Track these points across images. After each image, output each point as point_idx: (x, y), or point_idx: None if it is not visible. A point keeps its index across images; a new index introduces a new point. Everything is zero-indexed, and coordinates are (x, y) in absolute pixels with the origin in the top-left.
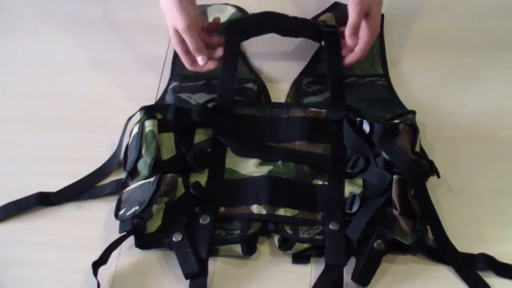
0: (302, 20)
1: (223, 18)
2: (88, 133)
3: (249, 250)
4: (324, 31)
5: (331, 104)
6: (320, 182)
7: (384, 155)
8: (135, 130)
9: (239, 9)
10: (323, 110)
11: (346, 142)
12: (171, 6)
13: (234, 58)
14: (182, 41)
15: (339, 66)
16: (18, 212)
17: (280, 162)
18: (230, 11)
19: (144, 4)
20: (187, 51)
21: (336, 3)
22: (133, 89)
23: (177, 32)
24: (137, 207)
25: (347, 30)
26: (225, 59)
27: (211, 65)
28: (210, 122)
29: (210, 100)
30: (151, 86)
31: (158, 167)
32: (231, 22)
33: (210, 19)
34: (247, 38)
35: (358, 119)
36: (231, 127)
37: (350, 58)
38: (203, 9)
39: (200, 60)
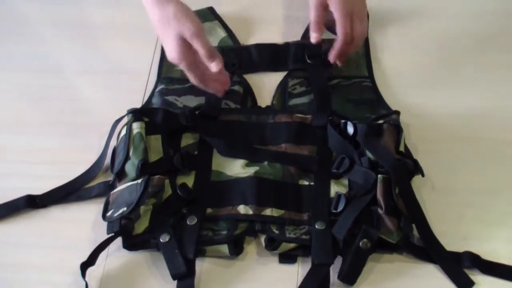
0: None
1: (213, 41)
2: (76, 136)
3: (236, 250)
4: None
5: (316, 110)
6: (306, 183)
7: (369, 155)
8: (123, 132)
9: (229, 33)
10: (308, 116)
11: (331, 144)
12: (177, 15)
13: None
14: (188, 53)
15: (322, 73)
16: (6, 214)
17: (266, 163)
18: (220, 35)
19: (130, 7)
20: (194, 64)
21: None
22: (120, 92)
23: (183, 42)
24: (124, 208)
25: (335, 52)
26: None
27: (224, 83)
28: (197, 125)
29: (197, 107)
30: (138, 89)
31: (145, 168)
32: (224, 51)
33: None
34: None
35: (342, 121)
36: (217, 131)
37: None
38: None
39: (214, 66)
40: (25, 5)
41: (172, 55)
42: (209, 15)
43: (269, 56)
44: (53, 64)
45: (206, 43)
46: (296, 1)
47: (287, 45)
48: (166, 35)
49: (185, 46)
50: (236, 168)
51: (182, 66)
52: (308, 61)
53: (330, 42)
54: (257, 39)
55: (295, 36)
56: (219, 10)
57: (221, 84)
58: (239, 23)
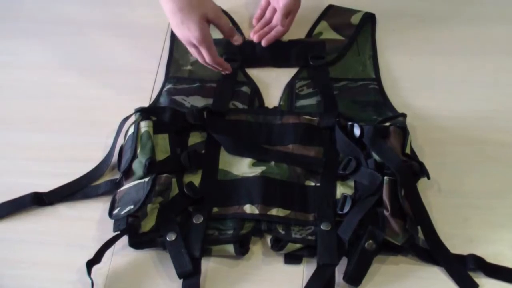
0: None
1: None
2: (84, 134)
3: (242, 250)
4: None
5: (323, 112)
6: (312, 183)
7: (375, 156)
8: (131, 130)
9: (235, 27)
10: (315, 118)
11: (338, 146)
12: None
13: (234, 69)
14: (209, 34)
15: (326, 75)
16: (13, 211)
17: (273, 163)
18: None
19: (139, 6)
20: (213, 44)
21: (330, 6)
22: (128, 91)
23: (205, 22)
24: (131, 206)
25: (279, 13)
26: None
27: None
28: (205, 123)
29: (205, 107)
30: (146, 88)
31: (152, 167)
32: (228, 44)
33: None
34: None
35: (349, 123)
36: (225, 130)
37: (274, 34)
38: None
39: (238, 38)
40: (33, 3)
41: (195, 36)
42: None
43: (272, 52)
44: (61, 62)
45: (228, 21)
46: (303, 2)
47: (291, 42)
48: (188, 20)
49: (207, 27)
50: (243, 167)
51: (205, 46)
52: (311, 62)
53: (333, 42)
54: None
55: (299, 35)
56: (225, 6)
57: (227, 66)
58: (244, 20)
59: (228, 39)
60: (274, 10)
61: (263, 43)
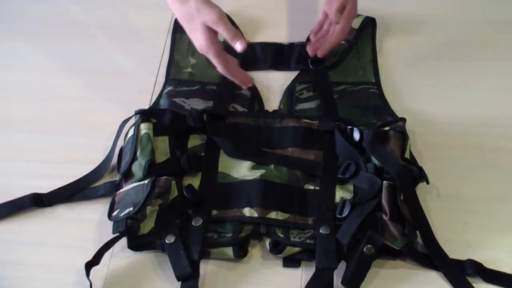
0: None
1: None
2: (83, 136)
3: (241, 253)
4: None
5: (323, 116)
6: (312, 187)
7: (375, 161)
8: (130, 132)
9: None
10: (315, 122)
11: (338, 149)
12: (199, 7)
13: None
14: (214, 42)
15: (326, 79)
16: (12, 212)
17: (272, 166)
18: None
19: (140, 8)
20: (219, 52)
21: None
22: (128, 93)
23: (209, 31)
24: (131, 208)
25: (334, 11)
26: None
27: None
28: (205, 126)
29: (205, 110)
30: (146, 91)
31: (152, 169)
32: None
33: None
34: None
35: (349, 127)
36: (225, 133)
37: (331, 41)
38: None
39: (239, 45)
40: (35, 5)
41: (201, 45)
42: None
43: (273, 55)
44: (62, 64)
45: (229, 26)
46: (303, 5)
47: (291, 45)
48: (194, 29)
49: (211, 35)
50: (243, 170)
51: (210, 55)
52: (311, 66)
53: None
54: (263, 39)
55: (300, 38)
56: (227, 9)
57: (245, 78)
58: (246, 23)
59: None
60: (332, 22)
61: (319, 53)
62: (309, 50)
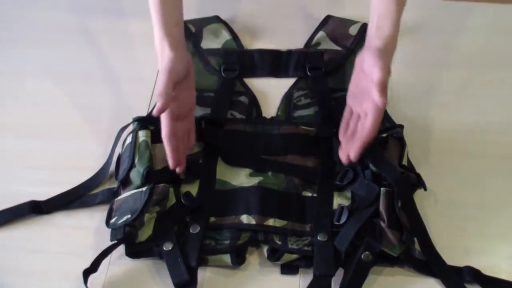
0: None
1: (218, 43)
2: (81, 143)
3: (238, 260)
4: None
5: (321, 122)
6: (309, 194)
7: (372, 168)
8: (129, 140)
9: (233, 36)
10: (312, 129)
11: (335, 156)
12: (162, 44)
13: (232, 79)
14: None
15: (324, 85)
16: (10, 219)
17: (270, 173)
18: (225, 37)
19: (137, 16)
20: (167, 110)
21: (328, 17)
22: (126, 100)
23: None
24: (129, 216)
25: (378, 87)
26: (224, 79)
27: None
28: (203, 133)
29: (203, 117)
30: (144, 97)
31: (150, 176)
32: (227, 53)
33: (206, 40)
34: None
35: None
36: (223, 140)
37: (363, 140)
38: (200, 28)
39: (158, 105)
40: (31, 12)
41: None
42: (216, 18)
43: (271, 62)
44: (59, 70)
45: (164, 83)
46: (301, 12)
47: (289, 52)
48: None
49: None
50: (240, 177)
51: (157, 104)
52: (308, 73)
53: (331, 52)
54: (261, 46)
55: (297, 45)
56: (226, 17)
57: (177, 160)
58: (244, 30)
59: (231, 49)
60: (358, 118)
61: (352, 157)
62: (342, 156)
